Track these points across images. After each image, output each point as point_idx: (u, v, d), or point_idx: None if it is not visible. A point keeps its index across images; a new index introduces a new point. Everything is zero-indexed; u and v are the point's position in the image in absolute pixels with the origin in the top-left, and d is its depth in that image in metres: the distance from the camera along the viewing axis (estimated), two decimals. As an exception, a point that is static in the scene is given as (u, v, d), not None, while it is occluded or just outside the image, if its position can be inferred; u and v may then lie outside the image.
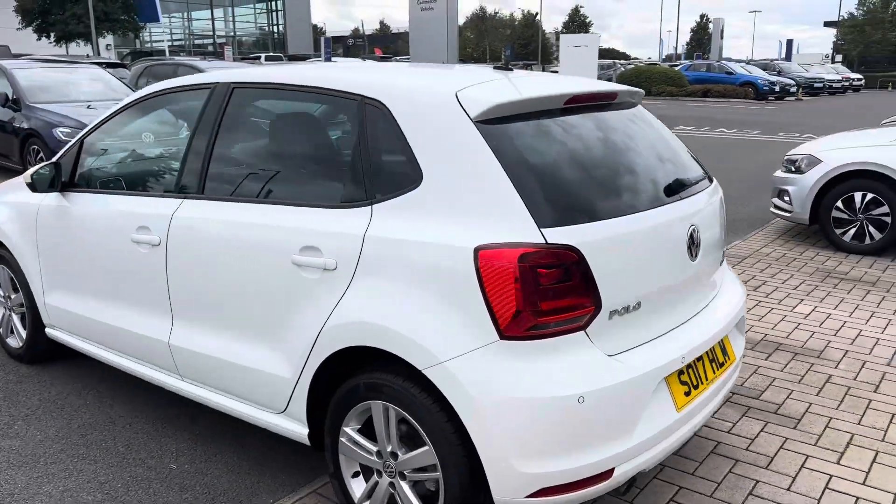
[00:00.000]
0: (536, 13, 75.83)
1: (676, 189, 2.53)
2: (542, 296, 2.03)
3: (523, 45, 71.58)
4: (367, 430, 2.41)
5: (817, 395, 3.49)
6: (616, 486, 2.19)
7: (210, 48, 51.20)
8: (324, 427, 2.52)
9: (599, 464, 2.08)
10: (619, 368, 2.12)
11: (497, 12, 77.36)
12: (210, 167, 2.83)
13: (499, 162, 2.14)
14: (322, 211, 2.43)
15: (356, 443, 2.42)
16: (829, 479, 2.80)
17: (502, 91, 2.34)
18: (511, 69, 2.83)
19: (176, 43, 54.23)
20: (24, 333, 3.89)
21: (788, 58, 51.91)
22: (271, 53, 40.89)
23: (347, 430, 2.42)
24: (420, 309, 2.15)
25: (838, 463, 2.91)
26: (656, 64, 41.75)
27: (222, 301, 2.70)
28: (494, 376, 2.04)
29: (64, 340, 3.61)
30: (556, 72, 32.32)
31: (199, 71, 9.01)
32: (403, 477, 2.32)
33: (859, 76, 40.57)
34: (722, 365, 2.58)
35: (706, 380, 2.46)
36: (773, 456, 2.96)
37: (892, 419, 3.26)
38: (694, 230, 2.48)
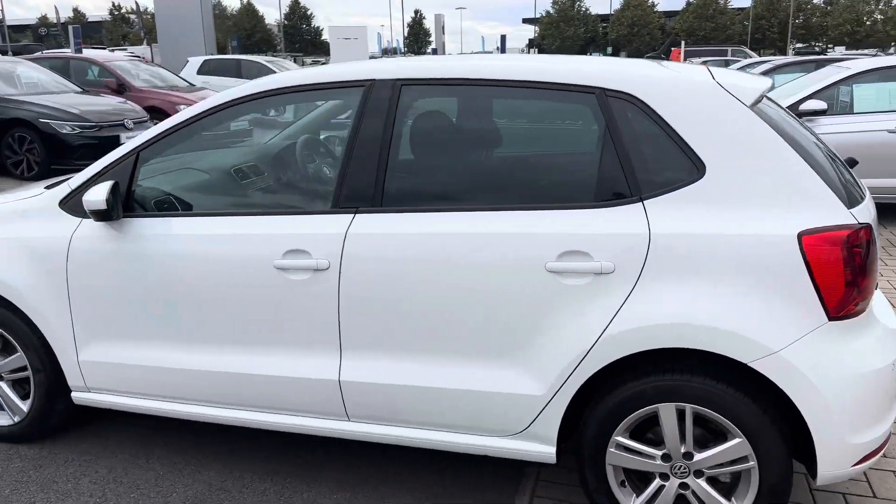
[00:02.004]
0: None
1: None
2: (861, 274, 2.16)
3: (248, 35, 69.02)
4: (637, 436, 2.35)
5: None
6: None
7: None
8: (574, 441, 2.40)
9: (888, 429, 2.28)
10: None
11: (218, 1, 73.47)
12: (388, 175, 2.47)
13: (791, 147, 2.21)
14: (576, 212, 2.29)
15: (632, 450, 2.34)
16: None
17: (748, 79, 2.40)
18: (666, 59, 2.88)
19: None
20: (23, 406, 3.03)
21: (503, 51, 56.84)
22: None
23: (619, 438, 2.33)
24: (735, 302, 2.15)
25: None
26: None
27: (435, 324, 2.40)
28: (828, 358, 2.13)
29: (111, 404, 2.89)
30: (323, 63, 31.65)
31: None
32: (700, 475, 2.30)
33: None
34: None
35: None
36: None
37: None
38: None
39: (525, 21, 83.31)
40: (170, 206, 2.77)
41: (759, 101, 2.32)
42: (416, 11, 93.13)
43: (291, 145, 3.23)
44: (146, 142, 2.74)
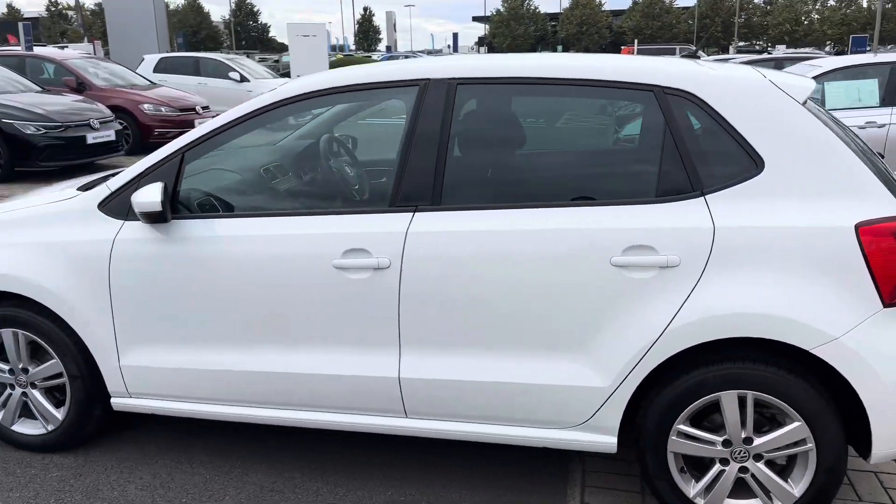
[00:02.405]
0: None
1: None
2: None
3: (193, 32, 67.56)
4: (696, 423, 2.43)
5: None
6: None
7: None
8: (632, 431, 2.47)
9: None
10: None
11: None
12: (447, 173, 2.50)
13: (843, 142, 2.32)
14: (640, 207, 2.36)
15: (693, 437, 2.42)
16: None
17: (796, 79, 2.50)
18: (699, 57, 2.97)
19: None
20: (57, 413, 2.95)
21: (455, 48, 57.12)
22: None
23: (681, 427, 2.41)
24: (796, 292, 2.25)
25: None
26: (370, 56, 42.84)
27: (498, 319, 2.45)
28: (884, 342, 2.24)
29: (153, 409, 2.85)
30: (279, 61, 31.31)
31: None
32: (759, 458, 2.40)
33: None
34: None
35: None
36: None
37: None
38: None
39: (475, 19, 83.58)
40: (215, 206, 2.74)
41: (808, 99, 2.43)
42: (366, 9, 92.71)
43: (344, 143, 3.23)
44: (191, 142, 2.70)
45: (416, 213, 2.50)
